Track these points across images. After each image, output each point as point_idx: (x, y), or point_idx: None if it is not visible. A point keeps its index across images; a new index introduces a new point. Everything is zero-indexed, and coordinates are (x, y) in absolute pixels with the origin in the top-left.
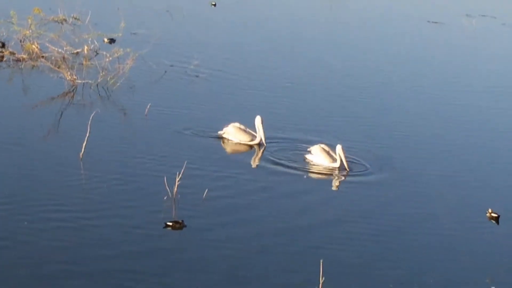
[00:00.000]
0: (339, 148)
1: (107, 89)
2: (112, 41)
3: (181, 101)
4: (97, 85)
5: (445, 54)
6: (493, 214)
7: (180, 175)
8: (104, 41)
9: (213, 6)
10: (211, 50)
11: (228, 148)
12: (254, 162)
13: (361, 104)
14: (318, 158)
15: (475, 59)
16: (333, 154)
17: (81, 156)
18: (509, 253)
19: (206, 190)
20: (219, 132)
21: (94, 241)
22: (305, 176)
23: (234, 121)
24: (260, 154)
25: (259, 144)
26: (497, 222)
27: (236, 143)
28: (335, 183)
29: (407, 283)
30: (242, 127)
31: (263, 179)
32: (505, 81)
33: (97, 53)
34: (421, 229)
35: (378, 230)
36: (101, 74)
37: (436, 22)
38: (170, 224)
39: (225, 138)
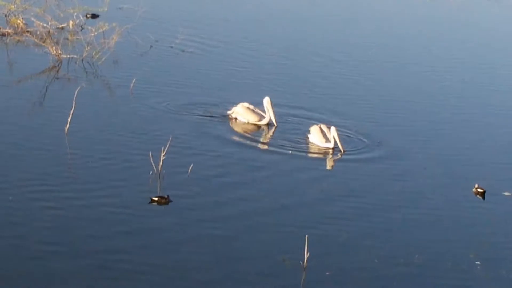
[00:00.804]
0: (333, 130)
1: (92, 64)
2: (94, 16)
3: (167, 76)
4: (82, 60)
5: (432, 30)
6: (479, 190)
7: (165, 151)
8: (86, 16)
9: None
10: (196, 25)
11: (222, 127)
12: (264, 141)
13: (351, 81)
14: (314, 138)
15: (462, 34)
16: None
17: (66, 131)
18: (494, 228)
19: (191, 166)
20: (228, 112)
21: (79, 218)
22: (290, 152)
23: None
24: (270, 134)
25: (268, 125)
26: (483, 197)
27: (244, 123)
28: (326, 162)
29: (392, 258)
30: (251, 107)
31: (251, 156)
32: (493, 56)
33: (83, 28)
34: (407, 205)
35: (364, 207)
36: (86, 49)
37: None
38: (156, 199)
39: (233, 118)
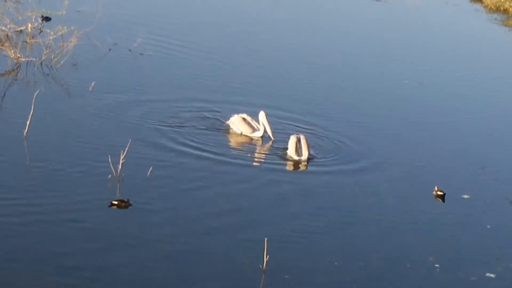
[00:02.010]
0: (262, 115)
1: (51, 67)
2: (47, 19)
3: (126, 79)
4: (41, 63)
5: (390, 33)
6: (438, 193)
7: (125, 154)
8: (41, 19)
9: None
10: (155, 28)
11: (181, 130)
12: (259, 152)
13: (311, 83)
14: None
15: (419, 37)
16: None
17: (25, 135)
18: (453, 231)
19: (151, 169)
20: (227, 122)
21: (38, 222)
22: (249, 155)
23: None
24: (265, 147)
25: (263, 138)
26: (443, 200)
27: (239, 135)
28: (285, 167)
29: (352, 260)
30: (248, 118)
31: (210, 162)
32: (450, 58)
33: (41, 31)
34: (366, 207)
35: (323, 208)
36: (45, 52)
37: (380, 0)
38: (116, 203)
39: (230, 128)
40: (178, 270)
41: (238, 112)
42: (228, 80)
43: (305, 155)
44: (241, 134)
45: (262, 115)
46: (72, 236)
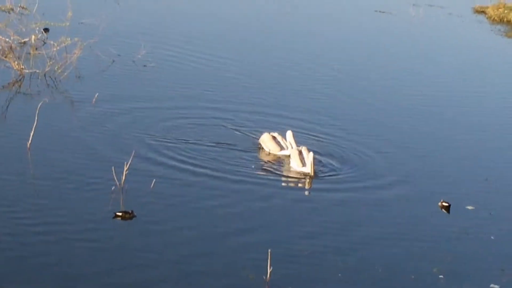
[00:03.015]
0: (289, 134)
1: (55, 78)
2: (46, 30)
3: (129, 90)
4: (44, 74)
5: (394, 44)
6: (444, 204)
7: (128, 166)
8: (43, 31)
9: None
10: (158, 40)
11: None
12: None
13: (310, 95)
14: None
15: (424, 48)
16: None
17: (28, 146)
18: (457, 242)
19: (154, 181)
20: (259, 140)
21: (42, 233)
22: (253, 166)
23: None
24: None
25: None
26: (448, 211)
27: (267, 154)
28: (289, 180)
29: (356, 273)
30: (278, 137)
31: (213, 174)
32: (454, 70)
33: (45, 43)
34: (371, 220)
35: (328, 223)
36: (48, 64)
37: (383, 12)
38: (120, 214)
39: (260, 145)
40: (183, 283)
41: (262, 129)
42: (234, 92)
43: (308, 168)
44: (269, 152)
45: (289, 135)
46: (77, 247)
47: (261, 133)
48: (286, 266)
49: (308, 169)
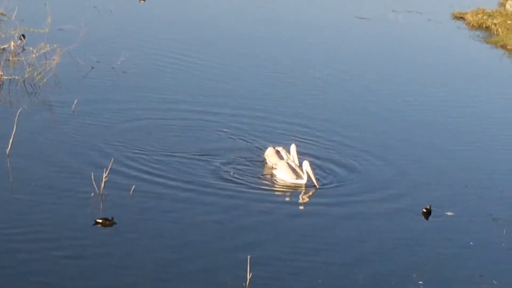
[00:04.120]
0: (293, 148)
1: (34, 85)
2: (23, 36)
3: (108, 97)
4: (23, 81)
5: (374, 49)
6: (424, 210)
7: (107, 172)
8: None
9: (142, 2)
10: (138, 47)
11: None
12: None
13: (291, 99)
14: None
15: (403, 54)
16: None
17: (7, 153)
18: (437, 248)
19: (133, 187)
20: (263, 156)
21: (21, 241)
22: (232, 173)
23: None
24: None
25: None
26: (426, 218)
27: (271, 168)
28: (268, 184)
29: (336, 278)
30: (282, 151)
31: (190, 179)
32: (434, 73)
33: (24, 49)
34: (351, 225)
35: (307, 227)
36: (27, 70)
37: (363, 18)
38: (100, 221)
39: (265, 159)
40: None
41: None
42: (217, 98)
43: (305, 180)
44: (273, 167)
45: (293, 149)
46: (56, 254)
47: (253, 141)
48: (265, 273)
49: (305, 180)
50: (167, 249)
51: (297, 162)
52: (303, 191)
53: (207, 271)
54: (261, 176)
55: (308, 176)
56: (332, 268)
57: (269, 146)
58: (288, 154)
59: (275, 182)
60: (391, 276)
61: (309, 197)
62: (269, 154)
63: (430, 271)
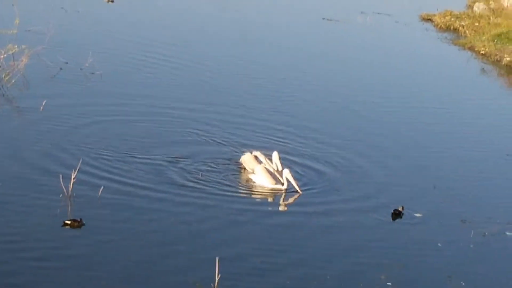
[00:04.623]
0: (275, 155)
1: (2, 86)
2: None
3: (77, 98)
4: None
5: (342, 51)
6: (395, 211)
7: (76, 173)
8: None
9: (110, 2)
10: (106, 48)
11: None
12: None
13: (256, 103)
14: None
15: (372, 56)
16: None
17: None
18: (405, 249)
19: (102, 188)
20: (239, 160)
21: None
22: (200, 174)
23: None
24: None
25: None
26: (393, 219)
27: (251, 173)
28: (235, 187)
29: (304, 280)
30: (260, 156)
31: (158, 179)
32: (401, 75)
33: None
34: (321, 228)
35: (276, 228)
36: None
37: (331, 20)
38: (69, 222)
39: (242, 165)
40: None
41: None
42: (186, 97)
43: (285, 184)
44: (252, 171)
45: (275, 156)
46: (24, 255)
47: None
48: (234, 274)
49: (285, 186)
50: (136, 250)
51: (280, 169)
52: (277, 195)
53: (175, 272)
54: (238, 181)
55: (290, 183)
56: (300, 269)
57: (245, 152)
58: (267, 159)
59: (252, 186)
60: (358, 277)
61: (281, 200)
62: (247, 160)
63: (398, 272)
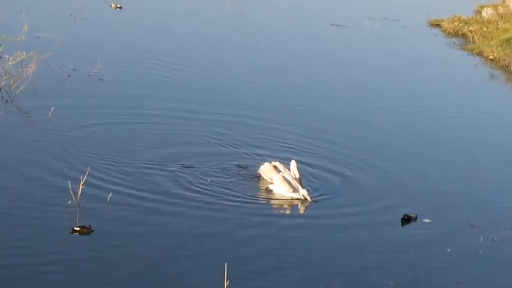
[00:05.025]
0: (293, 164)
1: (10, 93)
2: None
3: (85, 104)
4: (0, 89)
5: (350, 56)
6: (404, 217)
7: (84, 180)
8: None
9: (118, 9)
10: (114, 54)
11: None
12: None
13: (262, 107)
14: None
15: (381, 61)
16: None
17: None
18: (414, 255)
19: (110, 194)
20: (258, 171)
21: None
22: (209, 180)
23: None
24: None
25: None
26: (402, 224)
27: (270, 183)
28: (242, 192)
29: (313, 285)
30: (280, 166)
31: (169, 183)
32: (410, 81)
33: (0, 57)
34: (328, 233)
35: (283, 234)
36: (4, 78)
37: (339, 25)
38: (78, 229)
39: (261, 176)
40: None
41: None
42: (195, 103)
43: (302, 190)
44: (271, 181)
45: (293, 164)
46: (33, 262)
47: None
48: (243, 280)
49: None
50: (145, 256)
51: (298, 177)
52: (291, 202)
53: (184, 277)
54: (250, 188)
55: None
56: (306, 276)
57: (264, 162)
58: (286, 169)
59: (271, 196)
60: (367, 281)
61: (296, 208)
62: (266, 170)
63: (407, 278)
